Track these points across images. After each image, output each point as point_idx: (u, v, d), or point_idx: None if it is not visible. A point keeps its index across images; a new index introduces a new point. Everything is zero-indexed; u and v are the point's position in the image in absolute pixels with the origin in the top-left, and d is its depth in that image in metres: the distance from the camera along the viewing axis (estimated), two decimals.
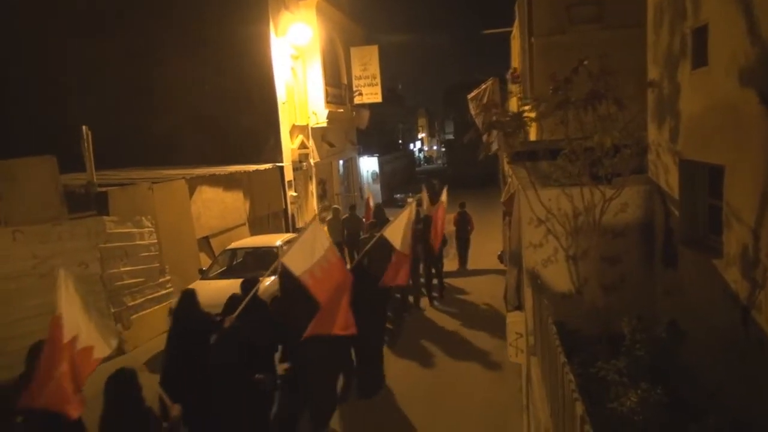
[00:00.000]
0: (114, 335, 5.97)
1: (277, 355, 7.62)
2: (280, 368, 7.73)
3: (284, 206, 18.85)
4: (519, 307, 7.25)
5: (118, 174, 13.85)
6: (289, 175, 19.20)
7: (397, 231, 8.77)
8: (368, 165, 33.58)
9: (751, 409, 4.27)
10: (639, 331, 4.85)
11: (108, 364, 5.43)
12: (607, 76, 5.03)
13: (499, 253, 13.76)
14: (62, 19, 18.35)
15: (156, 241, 11.69)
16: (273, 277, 9.55)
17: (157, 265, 11.71)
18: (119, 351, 9.83)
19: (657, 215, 6.18)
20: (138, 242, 11.22)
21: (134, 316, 10.86)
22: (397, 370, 9.23)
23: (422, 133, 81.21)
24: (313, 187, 21.97)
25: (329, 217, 16.30)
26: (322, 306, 6.57)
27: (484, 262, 15.49)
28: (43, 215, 10.09)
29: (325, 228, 14.40)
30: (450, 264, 14.94)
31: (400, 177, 43.02)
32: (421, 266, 12.64)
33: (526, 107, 6.07)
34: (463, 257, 15.58)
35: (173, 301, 10.75)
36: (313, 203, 21.92)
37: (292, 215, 19.28)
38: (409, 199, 22.38)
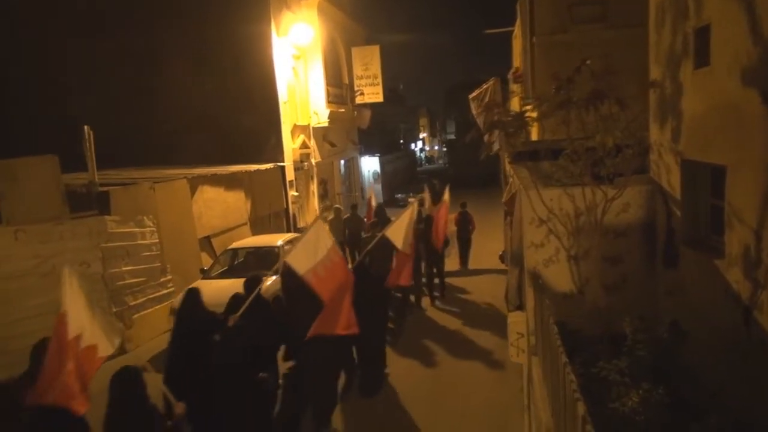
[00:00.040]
0: (117, 334, 5.97)
1: (280, 354, 7.63)
2: (284, 367, 7.75)
3: (285, 206, 18.85)
4: (520, 307, 7.25)
5: (120, 173, 13.86)
6: (290, 174, 19.20)
7: (398, 231, 8.77)
8: (369, 165, 33.58)
9: (752, 409, 4.27)
10: (641, 331, 4.85)
11: (110, 363, 5.43)
12: (609, 75, 5.03)
13: (500, 253, 13.75)
14: (64, 19, 18.34)
15: (157, 240, 11.69)
16: (274, 277, 9.56)
17: (159, 264, 11.71)
18: (121, 350, 9.82)
19: (659, 215, 6.17)
20: (139, 242, 11.23)
21: (136, 316, 10.86)
22: (398, 369, 9.23)
23: (423, 132, 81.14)
24: (314, 187, 21.97)
25: (331, 216, 16.29)
26: (326, 305, 6.59)
27: (486, 262, 15.48)
28: (45, 215, 10.10)
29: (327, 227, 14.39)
30: (451, 263, 14.93)
31: (402, 177, 43.02)
32: (423, 266, 12.63)
33: (528, 107, 6.07)
34: (464, 257, 15.57)
35: (174, 300, 10.78)
36: (315, 203, 21.92)
37: (294, 215, 19.29)
38: (410, 199, 22.34)
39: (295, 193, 19.53)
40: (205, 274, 11.67)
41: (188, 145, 18.14)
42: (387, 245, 8.89)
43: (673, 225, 5.88)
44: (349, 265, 8.39)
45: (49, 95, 18.38)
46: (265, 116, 18.49)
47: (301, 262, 6.55)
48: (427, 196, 14.47)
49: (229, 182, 15.36)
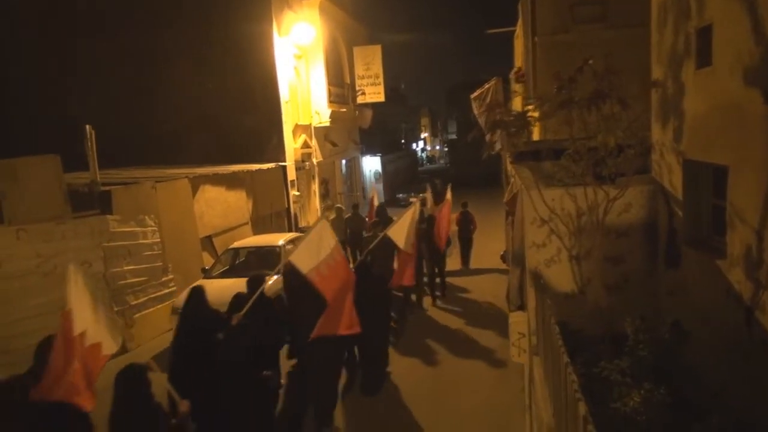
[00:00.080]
0: (120, 332, 6.00)
1: (283, 353, 7.65)
2: (287, 366, 7.77)
3: (287, 205, 18.86)
4: (521, 306, 7.25)
5: (122, 173, 13.87)
6: (291, 174, 19.21)
7: (401, 230, 8.79)
8: (371, 164, 33.59)
9: (754, 409, 4.27)
10: (642, 331, 4.85)
11: (112, 362, 5.44)
12: (611, 75, 5.02)
13: (501, 252, 13.74)
14: (64, 19, 18.36)
15: (159, 240, 11.71)
16: (276, 277, 9.57)
17: (160, 264, 11.72)
18: (122, 349, 9.84)
19: (660, 215, 6.17)
20: (141, 241, 11.24)
21: (137, 315, 10.87)
22: (400, 368, 9.24)
23: (425, 132, 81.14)
24: (315, 187, 21.98)
25: (332, 216, 16.29)
26: (329, 304, 6.61)
27: (487, 262, 15.48)
28: (47, 214, 10.11)
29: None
30: (453, 263, 14.93)
31: (403, 176, 43.04)
32: (424, 265, 12.64)
33: (530, 107, 6.06)
34: (465, 257, 15.58)
35: (176, 300, 10.80)
36: (316, 203, 21.93)
37: (295, 214, 19.30)
38: (412, 199, 22.31)
39: (297, 193, 19.53)
40: (207, 274, 11.68)
41: (190, 145, 18.16)
42: (388, 245, 8.90)
43: (675, 225, 5.88)
44: (351, 265, 8.40)
45: (49, 95, 18.40)
46: (266, 116, 18.51)
47: (304, 261, 6.58)
48: (429, 195, 14.47)
49: (231, 182, 15.37)
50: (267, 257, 11.80)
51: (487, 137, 8.93)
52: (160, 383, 5.18)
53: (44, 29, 18.45)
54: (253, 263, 11.93)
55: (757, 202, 4.27)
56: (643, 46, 6.97)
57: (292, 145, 19.44)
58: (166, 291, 11.75)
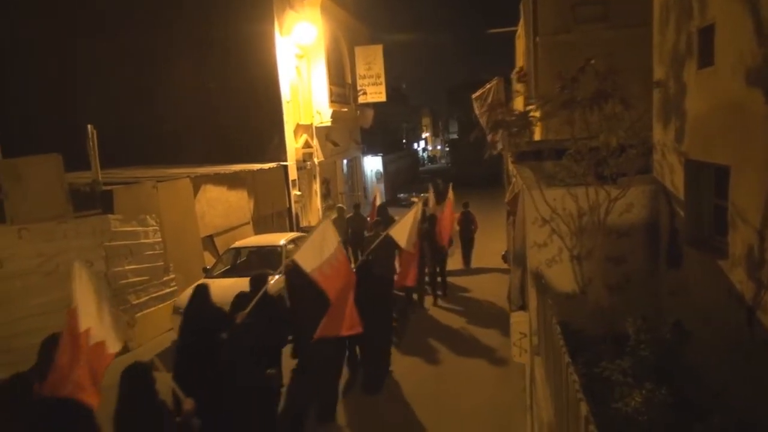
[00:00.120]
0: (123, 331, 6.02)
1: (286, 352, 7.67)
2: (292, 364, 7.79)
3: (288, 205, 18.85)
4: (522, 306, 7.25)
5: (123, 172, 13.88)
6: (293, 174, 19.20)
7: (403, 230, 8.81)
8: (372, 164, 33.57)
9: (756, 409, 4.27)
10: (644, 332, 4.85)
11: (115, 360, 5.45)
12: (613, 75, 5.02)
13: (503, 252, 13.75)
14: (65, 19, 18.35)
15: (160, 239, 11.72)
16: (277, 276, 9.57)
17: (162, 263, 11.73)
18: (124, 349, 9.85)
19: (662, 215, 6.17)
20: (142, 241, 11.25)
21: (138, 315, 10.88)
22: (401, 367, 9.24)
23: (426, 132, 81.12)
24: (317, 186, 21.98)
25: (334, 216, 16.28)
26: (332, 304, 6.64)
27: (488, 262, 15.48)
28: (49, 213, 10.12)
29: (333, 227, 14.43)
30: (454, 263, 14.93)
31: (404, 176, 43.04)
32: (426, 265, 12.65)
33: (531, 107, 6.07)
34: (466, 257, 15.58)
35: (177, 299, 10.81)
36: (317, 202, 21.93)
37: (296, 214, 19.30)
38: (413, 199, 22.27)
39: (298, 193, 19.53)
40: (208, 273, 11.68)
41: (191, 145, 18.17)
42: (390, 244, 8.91)
43: (677, 225, 5.87)
44: (352, 264, 8.42)
45: (50, 95, 18.38)
46: (268, 116, 18.50)
47: (308, 260, 6.62)
48: (431, 195, 14.49)
49: (232, 181, 15.38)
50: (268, 257, 11.80)
51: (489, 137, 8.95)
52: (164, 381, 5.20)
53: (44, 29, 18.43)
54: (255, 263, 11.93)
55: (758, 202, 4.27)
56: (644, 46, 6.96)
57: (293, 145, 19.43)
58: (168, 290, 11.76)
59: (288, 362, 7.92)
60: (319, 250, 6.71)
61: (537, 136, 12.77)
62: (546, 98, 5.77)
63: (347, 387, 8.43)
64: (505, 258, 13.32)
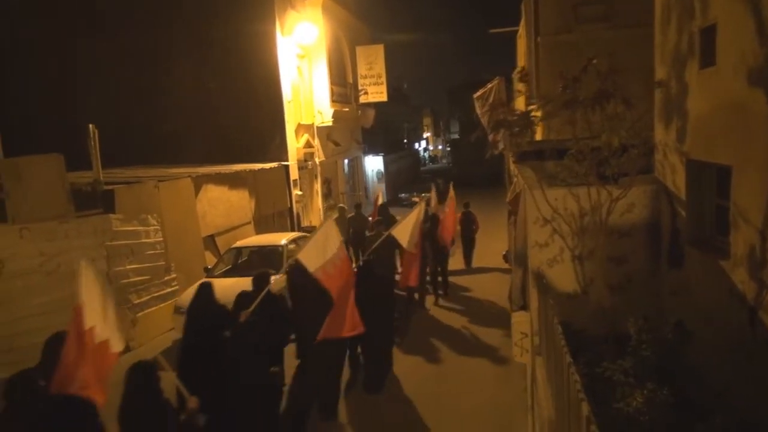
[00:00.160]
0: (127, 330, 6.03)
1: (289, 351, 7.69)
2: (293, 363, 7.81)
3: (289, 205, 18.86)
4: (524, 306, 7.24)
5: (125, 172, 13.89)
6: (294, 174, 19.21)
7: (405, 230, 8.83)
8: (373, 164, 33.57)
9: (758, 409, 4.26)
10: (645, 332, 4.85)
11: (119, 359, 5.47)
12: (615, 75, 5.02)
13: (504, 252, 13.75)
14: (66, 19, 18.36)
15: (162, 239, 11.72)
16: (278, 276, 9.58)
17: (163, 263, 11.74)
18: (125, 348, 9.86)
19: (664, 215, 6.16)
20: (144, 240, 11.25)
21: (140, 314, 10.89)
22: (402, 366, 9.24)
23: (427, 132, 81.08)
24: (318, 186, 21.98)
25: (335, 216, 16.28)
26: (335, 303, 6.66)
27: (489, 262, 15.49)
28: (50, 213, 10.13)
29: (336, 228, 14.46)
30: (455, 263, 14.93)
31: (405, 176, 43.03)
32: (428, 264, 12.65)
33: (533, 106, 6.07)
34: (467, 257, 15.58)
35: (179, 298, 10.81)
36: (318, 202, 21.93)
37: (297, 214, 19.30)
38: (415, 199, 22.25)
39: (299, 192, 19.53)
40: (209, 273, 11.68)
41: (192, 144, 18.18)
42: (392, 244, 8.92)
43: (678, 225, 5.87)
44: (353, 264, 8.43)
45: (51, 95, 18.38)
46: (269, 115, 18.50)
47: (311, 260, 6.66)
48: (433, 195, 14.49)
49: (233, 181, 15.38)
50: (269, 257, 11.81)
51: (490, 137, 8.94)
52: (168, 380, 5.21)
53: (44, 29, 18.44)
54: (256, 262, 11.94)
55: (760, 202, 4.27)
56: (646, 46, 6.96)
57: (294, 145, 19.44)
58: (169, 290, 11.77)
59: (290, 361, 7.93)
60: (322, 250, 6.75)
61: (538, 136, 12.77)
62: (547, 98, 5.77)
63: (348, 386, 8.46)
64: (506, 258, 13.33)
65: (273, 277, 9.32)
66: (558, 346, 3.96)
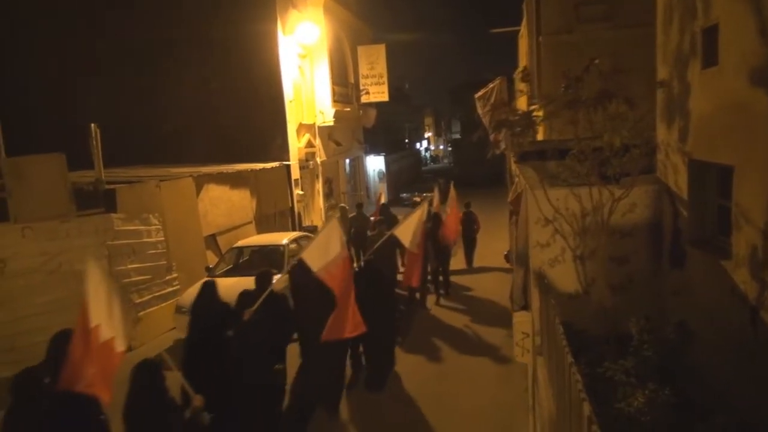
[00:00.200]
0: (131, 329, 6.03)
1: (292, 350, 7.70)
2: (296, 362, 7.82)
3: (291, 205, 18.87)
4: (525, 307, 7.24)
5: (126, 172, 13.90)
6: (295, 173, 19.22)
7: (407, 230, 8.83)
8: (375, 164, 33.56)
9: (759, 409, 4.26)
10: (647, 332, 4.85)
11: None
12: (617, 74, 5.02)
13: (505, 252, 13.75)
14: (66, 19, 18.36)
15: (163, 238, 11.73)
16: (279, 275, 9.59)
17: (164, 262, 11.75)
18: (127, 347, 9.86)
19: (665, 215, 6.16)
20: (145, 239, 11.27)
21: (141, 313, 10.89)
22: (404, 366, 9.25)
23: (429, 132, 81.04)
24: (319, 186, 21.99)
25: (337, 215, 16.27)
26: (338, 303, 6.67)
27: (491, 262, 15.48)
28: (52, 212, 10.14)
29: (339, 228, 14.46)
30: (457, 262, 14.93)
31: (407, 176, 43.02)
32: (429, 264, 12.66)
33: (535, 106, 6.07)
34: (469, 257, 15.58)
35: (180, 298, 10.82)
36: (320, 202, 21.94)
37: (299, 214, 19.31)
38: (416, 198, 22.23)
39: (301, 192, 19.54)
40: (211, 272, 11.69)
41: (193, 144, 18.17)
42: (394, 244, 8.93)
43: (680, 225, 5.86)
44: (355, 264, 8.44)
45: (51, 95, 18.38)
46: (270, 115, 18.50)
47: (314, 259, 6.70)
48: (436, 194, 14.50)
49: (235, 181, 15.39)
50: (271, 256, 11.82)
51: (492, 137, 8.94)
52: (173, 378, 5.22)
53: (44, 29, 18.44)
54: (257, 262, 11.95)
55: (762, 203, 4.26)
56: (648, 45, 6.95)
57: (296, 145, 19.44)
58: (170, 289, 11.78)
59: (292, 360, 7.93)
60: (325, 250, 6.79)
61: (540, 136, 12.78)
62: (549, 98, 5.76)
63: (350, 385, 8.47)
64: (507, 258, 13.33)
65: (275, 277, 9.36)
66: (559, 346, 3.96)
